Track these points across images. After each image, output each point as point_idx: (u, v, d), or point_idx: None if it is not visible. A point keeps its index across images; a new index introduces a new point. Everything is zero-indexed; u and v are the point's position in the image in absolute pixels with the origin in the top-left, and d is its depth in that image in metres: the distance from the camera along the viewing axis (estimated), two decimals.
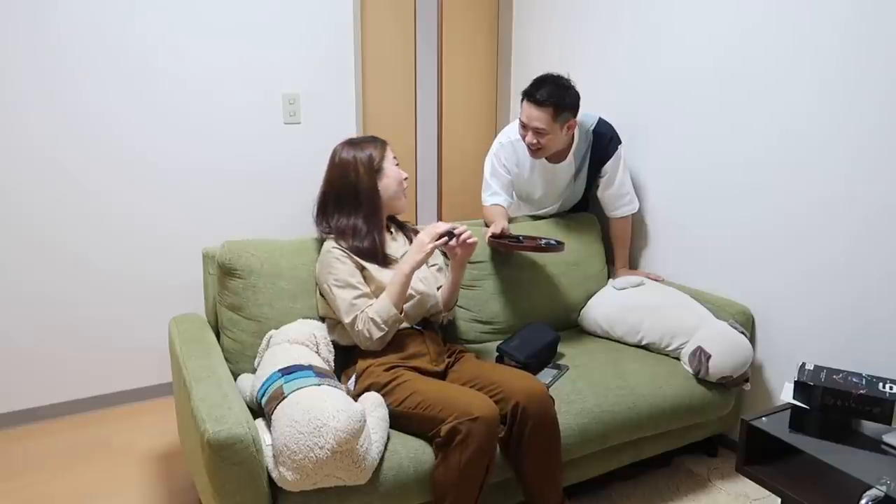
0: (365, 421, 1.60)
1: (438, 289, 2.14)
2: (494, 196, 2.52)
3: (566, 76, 2.30)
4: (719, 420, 2.29)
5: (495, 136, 2.61)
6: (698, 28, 2.38)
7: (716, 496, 2.18)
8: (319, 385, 1.65)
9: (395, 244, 2.10)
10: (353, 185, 2.01)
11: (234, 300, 2.03)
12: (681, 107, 2.49)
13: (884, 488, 1.54)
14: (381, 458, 1.67)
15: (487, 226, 2.43)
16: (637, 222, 2.70)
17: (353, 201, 2.01)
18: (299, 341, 1.86)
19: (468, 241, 1.99)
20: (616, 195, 2.57)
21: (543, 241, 2.28)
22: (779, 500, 2.06)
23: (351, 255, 1.97)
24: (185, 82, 2.66)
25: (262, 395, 1.69)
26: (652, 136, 2.61)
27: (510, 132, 2.50)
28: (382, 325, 1.90)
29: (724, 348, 2.12)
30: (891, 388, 1.76)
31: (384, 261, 2.01)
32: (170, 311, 2.80)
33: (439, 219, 3.52)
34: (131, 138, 2.61)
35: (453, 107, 3.39)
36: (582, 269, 2.56)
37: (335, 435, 1.51)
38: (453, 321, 2.30)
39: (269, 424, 1.66)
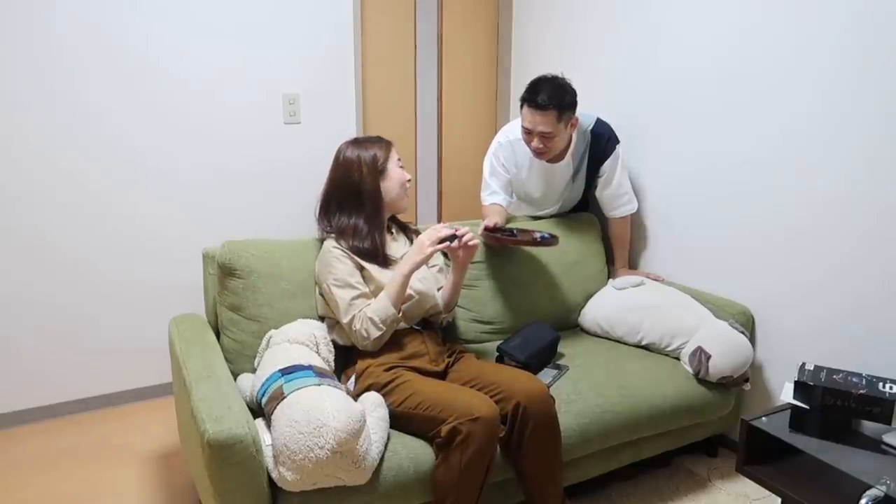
0: (365, 421, 1.60)
1: (439, 290, 2.14)
2: (493, 195, 2.52)
3: (560, 74, 2.30)
4: (719, 420, 2.29)
5: (495, 135, 2.61)
6: (697, 28, 2.38)
7: (716, 496, 2.18)
8: (319, 385, 1.65)
9: (396, 245, 2.10)
10: (355, 185, 2.01)
11: (234, 300, 2.03)
12: (680, 107, 2.48)
13: (884, 488, 1.54)
14: (381, 459, 1.67)
15: None
16: (636, 222, 2.70)
17: (355, 201, 2.01)
18: (299, 341, 1.86)
19: (469, 243, 1.99)
20: (615, 195, 2.57)
21: (538, 235, 2.28)
22: (779, 500, 2.06)
23: (350, 254, 1.97)
24: (185, 82, 2.66)
25: (262, 395, 1.69)
26: (651, 136, 2.61)
27: (509, 132, 2.50)
28: (381, 325, 1.90)
29: (724, 348, 2.12)
30: (891, 388, 1.76)
31: (384, 261, 2.00)
32: (170, 311, 2.80)
33: (439, 219, 3.52)
34: (131, 138, 2.61)
35: (453, 107, 3.39)
36: (582, 269, 2.56)
37: (335, 435, 1.51)
38: (453, 321, 2.30)
39: (269, 424, 1.65)
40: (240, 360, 2.00)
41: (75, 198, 2.55)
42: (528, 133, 2.31)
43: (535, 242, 2.26)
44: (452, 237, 1.95)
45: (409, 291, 1.97)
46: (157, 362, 2.81)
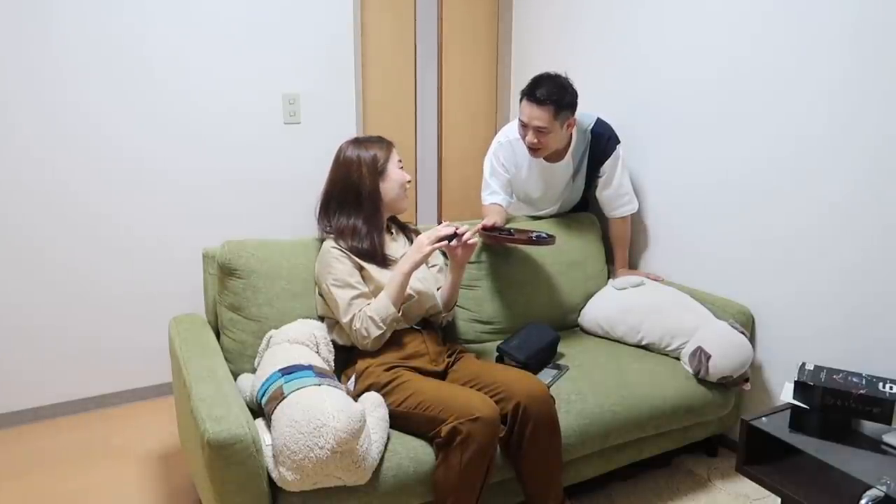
0: (365, 421, 1.60)
1: (438, 289, 2.14)
2: (493, 195, 2.52)
3: (563, 75, 2.30)
4: (719, 420, 2.29)
5: (495, 135, 2.61)
6: (699, 29, 2.38)
7: (716, 496, 2.18)
8: (319, 385, 1.65)
9: (396, 245, 2.10)
10: (355, 185, 2.01)
11: (234, 300, 2.03)
12: (680, 107, 2.48)
13: (884, 488, 1.54)
14: (381, 459, 1.67)
15: None
16: (637, 223, 2.70)
17: (354, 201, 2.01)
18: (299, 341, 1.86)
19: (468, 241, 1.99)
20: (615, 195, 2.57)
21: (535, 235, 2.28)
22: (779, 500, 2.06)
23: (350, 254, 1.97)
24: (184, 82, 2.65)
25: (262, 395, 1.69)
26: (652, 136, 2.61)
27: (509, 132, 2.50)
28: (381, 324, 1.90)
29: (724, 348, 2.12)
30: (891, 388, 1.76)
31: (383, 261, 2.00)
32: (170, 311, 2.80)
33: (439, 219, 3.52)
34: (131, 138, 2.60)
35: (453, 107, 3.39)
36: (582, 269, 2.56)
37: (335, 435, 1.51)
38: (453, 321, 2.30)
39: (269, 424, 1.65)
40: (240, 360, 2.00)
41: (75, 197, 2.55)
42: (524, 126, 2.31)
43: (531, 241, 2.26)
44: (452, 236, 1.95)
45: (408, 291, 1.97)
46: (156, 362, 2.81)
